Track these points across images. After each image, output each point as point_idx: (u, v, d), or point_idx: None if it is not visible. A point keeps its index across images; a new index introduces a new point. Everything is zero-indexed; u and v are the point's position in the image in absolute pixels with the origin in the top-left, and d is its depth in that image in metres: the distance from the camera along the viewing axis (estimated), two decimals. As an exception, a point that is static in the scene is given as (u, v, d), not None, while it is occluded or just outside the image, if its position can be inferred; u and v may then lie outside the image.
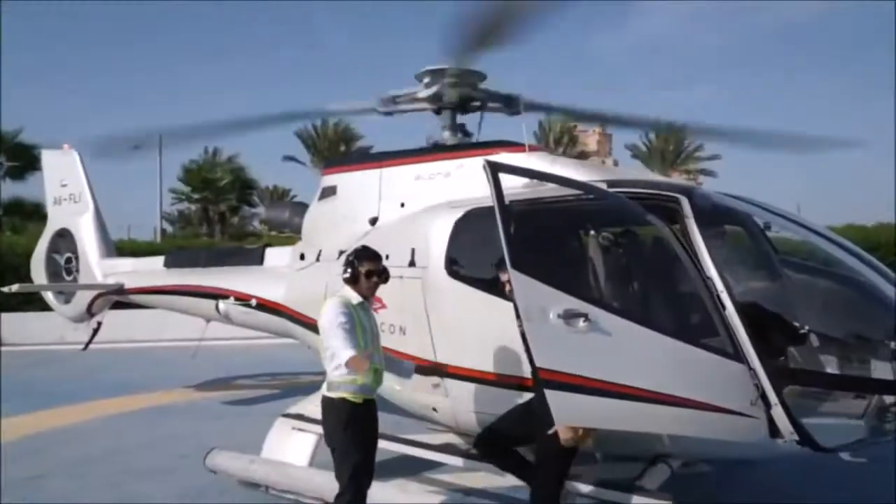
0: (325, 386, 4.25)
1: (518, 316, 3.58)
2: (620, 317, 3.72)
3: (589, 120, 7.34)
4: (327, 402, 4.21)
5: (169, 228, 39.63)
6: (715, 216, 4.39)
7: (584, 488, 4.50)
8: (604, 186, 4.60)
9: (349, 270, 4.29)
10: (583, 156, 49.85)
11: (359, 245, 4.53)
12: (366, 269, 4.26)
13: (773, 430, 3.89)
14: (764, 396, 3.86)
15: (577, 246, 4.62)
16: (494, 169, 3.83)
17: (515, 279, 3.52)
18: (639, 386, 3.61)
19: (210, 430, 7.79)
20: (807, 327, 4.13)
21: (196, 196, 35.16)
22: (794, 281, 4.52)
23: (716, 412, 3.78)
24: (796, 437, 3.89)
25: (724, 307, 3.94)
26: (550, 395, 3.48)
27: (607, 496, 4.34)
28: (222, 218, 34.95)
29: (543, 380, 3.47)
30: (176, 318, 10.73)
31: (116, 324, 15.09)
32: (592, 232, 4.43)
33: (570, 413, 3.60)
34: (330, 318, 4.12)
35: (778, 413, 3.86)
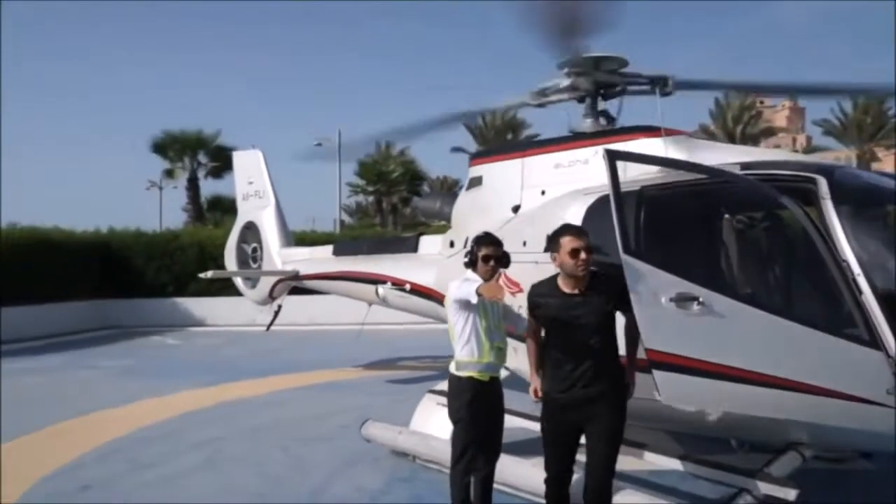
0: (452, 365, 4.53)
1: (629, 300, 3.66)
2: (737, 300, 3.68)
3: (751, 91, 6.85)
4: (454, 380, 4.49)
5: (347, 219, 42.36)
6: (856, 197, 4.14)
7: (706, 472, 4.45)
8: (737, 169, 4.51)
9: (468, 254, 4.53)
10: (768, 133, 46.47)
11: (482, 231, 4.75)
12: (483, 253, 4.45)
13: (913, 422, 3.65)
14: (903, 386, 3.63)
15: (700, 230, 4.56)
16: (612, 157, 3.91)
17: (626, 264, 3.60)
18: (756, 370, 3.55)
19: (372, 405, 8.40)
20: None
21: (370, 189, 37.23)
22: None
23: (845, 400, 3.63)
24: (938, 431, 3.63)
25: (860, 292, 3.75)
26: (658, 375, 3.54)
27: (732, 481, 4.27)
28: (394, 209, 36.72)
29: (651, 360, 3.54)
30: (350, 304, 11.73)
31: (298, 308, 16.74)
32: (716, 216, 4.36)
33: (677, 393, 3.64)
34: (452, 294, 4.40)
35: (919, 404, 3.62)
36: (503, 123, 37.80)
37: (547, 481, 4.10)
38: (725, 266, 4.32)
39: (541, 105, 6.68)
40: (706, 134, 41.92)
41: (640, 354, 3.90)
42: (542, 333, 4.17)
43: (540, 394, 4.10)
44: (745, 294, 4.02)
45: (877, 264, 3.87)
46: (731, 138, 41.97)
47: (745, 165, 4.56)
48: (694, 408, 4.01)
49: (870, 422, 3.69)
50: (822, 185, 4.05)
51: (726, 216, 4.41)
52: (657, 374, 3.56)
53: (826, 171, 4.20)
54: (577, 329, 3.85)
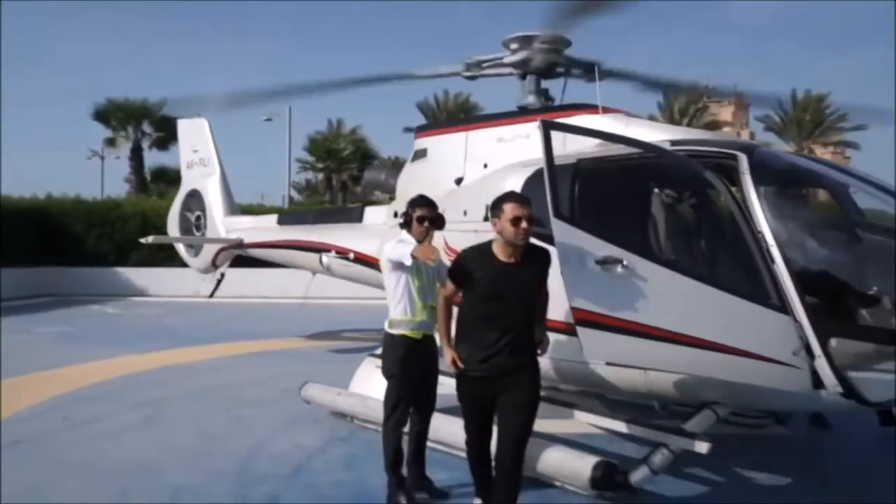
0: (386, 323, 4.68)
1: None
2: (660, 265, 3.92)
3: (672, 90, 7.16)
4: (388, 338, 4.63)
5: (297, 196, 41.91)
6: (773, 173, 4.44)
7: (630, 429, 4.74)
8: (667, 145, 4.77)
9: (404, 215, 4.66)
10: (713, 127, 47.65)
11: (416, 194, 4.86)
12: (417, 214, 4.57)
13: (817, 382, 3.96)
14: (808, 348, 3.94)
15: (628, 200, 4.80)
16: (546, 127, 4.10)
17: (556, 226, 3.80)
18: (673, 329, 3.81)
19: (314, 372, 8.44)
20: (856, 285, 4.15)
21: (320, 165, 36.92)
22: (849, 240, 4.48)
23: (754, 359, 3.89)
24: (840, 390, 3.95)
25: (772, 261, 4.03)
26: (582, 332, 3.76)
27: (653, 437, 4.55)
28: (344, 186, 36.50)
29: (577, 318, 3.75)
30: (297, 278, 11.77)
31: (245, 281, 16.69)
32: (644, 187, 4.61)
33: (599, 349, 3.88)
34: (387, 254, 4.55)
35: (821, 364, 3.92)
36: (455, 106, 37.86)
37: (468, 443, 4.15)
38: (650, 233, 4.58)
39: (472, 77, 6.83)
40: (654, 125, 42.91)
41: (553, 316, 4.14)
42: (461, 300, 4.06)
43: (460, 364, 3.95)
44: (666, 259, 4.27)
45: (788, 236, 4.16)
46: (677, 130, 42.97)
47: (675, 142, 4.83)
48: (615, 362, 4.26)
49: (776, 381, 3.98)
50: (743, 161, 4.33)
51: (654, 188, 4.66)
52: (581, 331, 3.78)
53: (747, 149, 4.48)
54: (506, 299, 3.79)
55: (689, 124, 43.32)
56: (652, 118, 43.77)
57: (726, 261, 4.43)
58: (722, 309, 3.93)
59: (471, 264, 3.93)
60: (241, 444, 5.87)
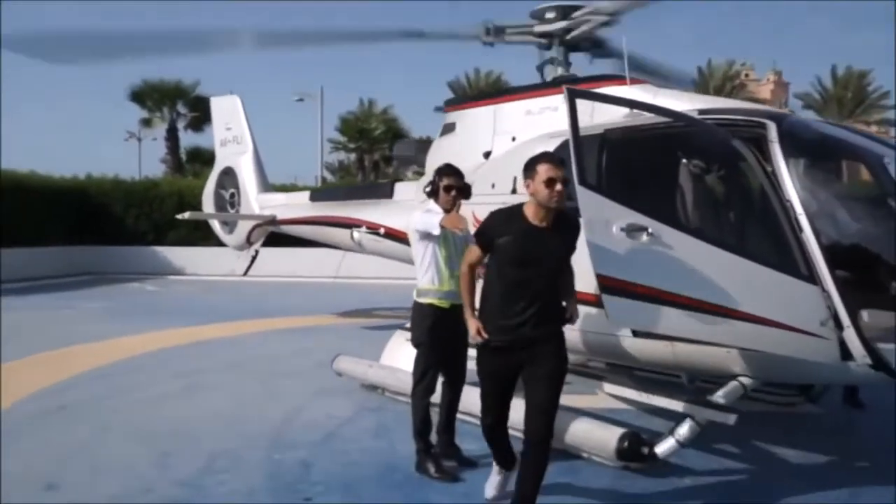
0: (414, 293, 4.75)
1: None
2: (686, 233, 3.92)
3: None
4: (416, 307, 4.71)
5: (329, 177, 42.21)
6: (802, 142, 4.39)
7: (657, 400, 4.77)
8: (695, 113, 4.73)
9: (430, 184, 4.70)
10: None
11: (443, 163, 4.90)
12: (445, 183, 4.61)
13: (846, 353, 3.94)
14: (836, 318, 3.92)
15: (655, 169, 4.79)
16: (572, 95, 4.09)
17: (581, 194, 3.82)
18: (699, 298, 3.82)
19: (346, 346, 8.56)
20: (887, 256, 4.11)
21: (352, 146, 37.13)
22: (880, 210, 4.42)
23: (781, 329, 3.89)
24: (869, 361, 3.93)
25: (801, 230, 4.01)
26: (608, 300, 3.79)
27: (680, 408, 4.56)
28: (376, 166, 36.68)
29: (601, 285, 3.78)
30: (330, 257, 11.94)
31: (279, 260, 16.97)
32: (671, 156, 4.59)
33: (624, 316, 3.90)
34: (414, 223, 4.61)
35: (850, 336, 3.91)
36: (487, 84, 37.67)
37: (488, 426, 3.95)
38: (676, 201, 4.56)
39: (490, 43, 6.76)
40: (689, 102, 42.24)
41: (580, 288, 4.03)
42: (486, 268, 3.90)
43: (484, 334, 3.77)
44: (692, 227, 4.26)
45: (817, 206, 4.13)
46: (713, 107, 42.25)
47: (703, 111, 4.79)
48: (640, 329, 4.29)
49: (803, 351, 3.97)
50: (772, 129, 4.29)
51: (680, 156, 4.63)
52: (606, 297, 3.80)
53: (776, 117, 4.44)
54: (535, 265, 3.65)
55: (726, 101, 42.65)
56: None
57: (753, 230, 4.41)
58: (749, 278, 3.92)
59: (500, 226, 3.73)
60: (274, 412, 6.03)
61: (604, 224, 3.81)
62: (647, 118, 4.82)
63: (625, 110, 5.14)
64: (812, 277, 3.93)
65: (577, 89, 4.22)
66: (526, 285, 3.67)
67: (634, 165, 4.72)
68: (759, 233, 4.32)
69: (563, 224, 3.73)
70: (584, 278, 4.10)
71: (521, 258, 3.67)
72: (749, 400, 6.11)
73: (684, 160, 4.58)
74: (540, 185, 3.61)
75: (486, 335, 3.77)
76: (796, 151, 4.24)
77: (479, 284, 3.95)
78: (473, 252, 3.94)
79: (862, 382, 4.69)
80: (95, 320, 11.45)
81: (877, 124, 44.61)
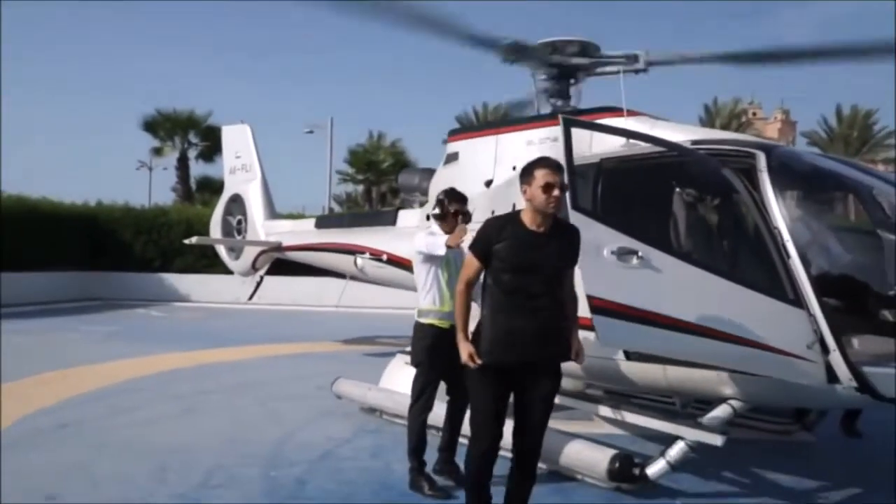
0: (416, 313, 4.86)
1: None
2: (675, 257, 4.04)
3: (733, 62, 6.54)
4: (417, 327, 4.82)
5: (337, 208, 42.51)
6: (790, 171, 4.51)
7: (649, 422, 4.83)
8: (688, 144, 4.88)
9: (438, 208, 4.84)
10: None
11: (448, 187, 5.05)
12: (455, 208, 4.78)
13: (832, 376, 4.01)
14: (823, 342, 4.00)
15: (647, 195, 4.92)
16: (567, 124, 4.26)
17: (574, 218, 3.94)
18: (687, 319, 3.91)
19: (347, 372, 8.60)
20: (872, 282, 4.21)
21: (360, 177, 37.52)
22: (865, 238, 4.53)
23: (768, 351, 3.98)
24: (855, 384, 4.00)
25: (788, 256, 4.11)
26: (597, 319, 3.89)
27: (671, 430, 4.62)
28: (383, 198, 36.97)
29: (592, 306, 3.88)
30: (334, 286, 12.08)
31: (283, 288, 17.14)
32: (663, 183, 4.72)
33: (613, 336, 3.99)
34: (418, 245, 4.73)
35: (836, 359, 3.98)
36: (495, 118, 38.18)
37: (480, 455, 3.67)
38: (667, 227, 4.68)
39: (509, 61, 6.82)
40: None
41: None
42: (484, 284, 3.69)
43: (477, 360, 3.57)
44: (682, 252, 4.38)
45: (804, 233, 4.25)
46: (719, 144, 42.61)
47: (696, 142, 4.94)
48: (628, 349, 4.37)
49: (790, 374, 4.04)
50: (761, 159, 4.42)
51: (672, 184, 4.76)
52: (596, 318, 3.90)
53: (766, 147, 4.58)
54: (535, 272, 3.49)
55: (731, 139, 43.02)
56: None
57: (742, 255, 4.52)
58: (736, 301, 4.02)
59: (495, 233, 3.57)
60: (273, 432, 6.09)
61: (595, 247, 3.93)
62: (642, 148, 4.96)
63: (622, 140, 5.29)
64: (798, 302, 4.03)
65: (572, 119, 4.38)
66: (525, 294, 3.49)
67: (627, 193, 4.85)
68: (747, 258, 4.43)
69: (562, 231, 3.62)
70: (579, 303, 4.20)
71: (519, 264, 3.51)
72: (744, 428, 6.19)
73: (675, 188, 4.71)
74: (537, 190, 3.51)
75: (478, 360, 3.57)
76: (784, 180, 4.36)
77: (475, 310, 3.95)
78: (470, 266, 3.70)
79: (848, 405, 4.73)
80: (100, 343, 11.56)
81: (882, 163, 44.79)
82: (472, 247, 3.69)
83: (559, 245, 3.58)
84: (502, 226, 3.62)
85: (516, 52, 6.65)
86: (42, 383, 8.07)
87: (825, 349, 4.00)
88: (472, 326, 3.72)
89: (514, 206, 5.83)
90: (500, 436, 3.68)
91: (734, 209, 4.50)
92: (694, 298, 4.02)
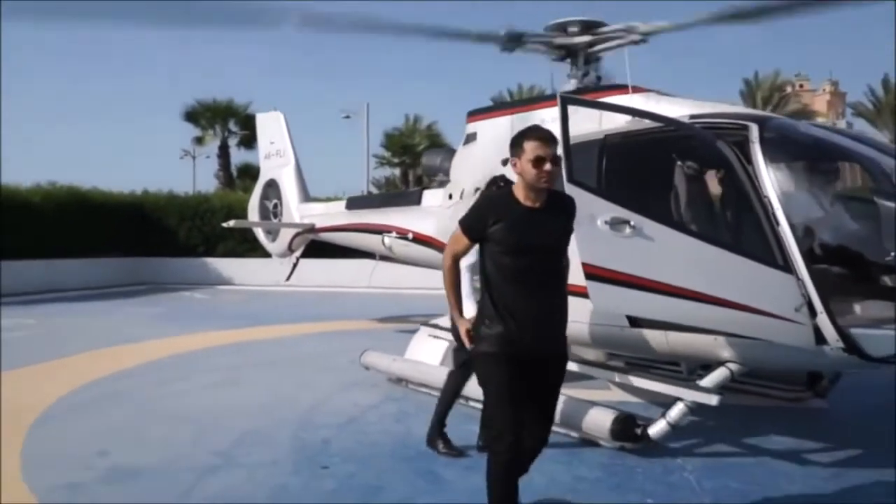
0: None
1: None
2: (667, 226, 4.28)
3: (726, 21, 6.47)
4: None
5: (375, 191, 43.06)
6: (782, 142, 4.68)
7: (653, 385, 5.09)
8: (686, 118, 5.09)
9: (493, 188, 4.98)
10: (800, 115, 45.57)
11: (500, 174, 5.21)
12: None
13: (820, 338, 4.22)
14: (811, 305, 4.21)
15: (642, 169, 5.14)
16: (564, 101, 4.51)
17: (569, 191, 4.20)
18: (677, 284, 4.17)
19: (378, 346, 9.06)
20: (860, 248, 4.39)
21: (396, 161, 37.95)
22: (855, 207, 4.69)
23: (759, 315, 4.21)
24: (842, 345, 4.20)
25: (777, 223, 4.32)
26: (591, 285, 4.16)
27: (672, 392, 4.88)
28: (419, 181, 37.32)
29: (587, 273, 4.15)
30: (371, 268, 12.54)
31: (323, 270, 17.69)
32: (658, 156, 4.95)
33: (607, 301, 4.26)
34: (470, 261, 4.75)
35: (823, 321, 4.18)
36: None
37: (507, 448, 3.22)
38: (660, 198, 4.90)
39: (508, 49, 7.04)
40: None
41: (579, 281, 3.87)
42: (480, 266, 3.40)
43: (468, 342, 3.39)
44: (673, 221, 4.61)
45: (793, 201, 4.44)
46: (760, 119, 41.87)
47: (694, 116, 5.14)
48: (621, 312, 4.63)
49: (780, 336, 4.27)
50: (754, 130, 4.61)
51: (666, 157, 4.98)
52: (590, 284, 4.18)
53: (759, 119, 4.76)
54: (536, 251, 3.25)
55: (773, 112, 42.20)
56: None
57: (733, 223, 4.73)
58: (727, 267, 4.25)
59: (489, 213, 3.30)
60: (304, 400, 6.52)
61: (590, 217, 4.19)
62: (643, 123, 5.18)
63: (628, 117, 5.51)
64: (787, 267, 4.23)
65: (569, 97, 4.65)
66: (530, 277, 3.23)
67: (624, 166, 5.09)
68: (739, 226, 4.65)
69: (558, 204, 3.39)
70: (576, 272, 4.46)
71: (518, 245, 3.23)
72: (758, 395, 6.41)
73: (669, 161, 4.94)
74: (527, 164, 3.22)
75: (471, 338, 3.36)
76: (776, 151, 4.55)
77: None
78: (460, 242, 3.42)
79: (837, 367, 4.91)
80: (147, 324, 12.20)
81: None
82: (464, 224, 3.38)
83: (559, 219, 3.35)
84: (497, 204, 3.36)
85: (514, 41, 6.84)
86: (98, 357, 8.70)
87: (813, 312, 4.20)
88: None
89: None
90: (523, 424, 3.30)
91: (726, 180, 4.70)
92: (685, 265, 4.26)
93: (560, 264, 3.38)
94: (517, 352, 3.25)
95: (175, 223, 21.83)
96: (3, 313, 12.79)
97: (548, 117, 6.83)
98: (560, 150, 4.31)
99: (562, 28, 7.00)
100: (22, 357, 8.54)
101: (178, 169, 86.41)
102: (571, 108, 6.54)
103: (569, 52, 7.15)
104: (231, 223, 12.03)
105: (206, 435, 5.35)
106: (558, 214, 3.37)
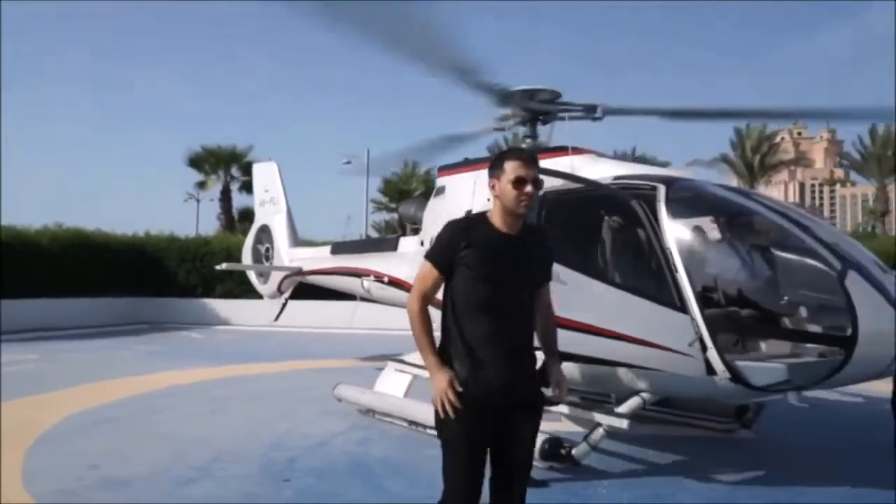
0: None
1: None
2: (583, 274, 5.05)
3: (678, 117, 7.66)
4: None
5: (375, 235, 44.02)
6: (684, 202, 5.46)
7: (573, 412, 5.79)
8: (609, 179, 5.90)
9: None
10: (791, 163, 46.82)
11: None
12: None
13: (710, 370, 4.93)
14: (702, 341, 4.93)
15: (565, 222, 5.91)
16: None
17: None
18: (592, 324, 4.92)
19: (357, 382, 9.78)
20: (745, 292, 5.15)
21: (393, 206, 39.01)
22: (741, 257, 5.45)
23: (658, 349, 4.97)
24: (728, 376, 4.90)
25: (676, 270, 5.07)
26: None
27: (589, 416, 5.58)
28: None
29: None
30: (361, 309, 13.28)
31: (313, 312, 18.41)
32: (579, 213, 5.75)
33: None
34: None
35: (712, 355, 4.90)
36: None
37: None
38: (578, 249, 5.66)
39: (500, 129, 7.98)
40: (726, 163, 43.10)
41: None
42: (448, 304, 3.06)
43: (457, 389, 2.91)
44: (588, 269, 5.37)
45: (690, 251, 5.20)
46: (749, 168, 43.03)
47: (619, 177, 5.95)
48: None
49: (676, 367, 5.00)
50: (661, 191, 5.40)
51: (585, 212, 5.76)
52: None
53: (668, 181, 5.55)
54: (510, 281, 2.96)
55: (761, 161, 43.32)
56: (723, 157, 43.35)
57: (639, 270, 5.47)
58: (631, 308, 5.02)
59: (461, 235, 2.99)
60: (280, 426, 7.21)
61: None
62: (571, 184, 5.97)
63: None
64: (683, 308, 4.98)
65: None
66: (502, 310, 2.95)
67: (549, 220, 5.87)
68: (642, 273, 5.40)
69: (535, 235, 3.17)
70: None
71: (492, 273, 2.94)
72: (692, 427, 7.09)
73: (587, 215, 5.72)
74: (507, 184, 2.98)
75: (459, 389, 2.92)
76: (677, 208, 5.32)
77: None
78: (428, 278, 3.06)
79: (727, 396, 5.58)
80: (145, 360, 12.89)
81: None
82: (431, 255, 3.07)
83: (535, 251, 3.10)
84: (469, 227, 3.05)
85: (504, 120, 7.77)
86: (94, 389, 9.39)
87: (704, 347, 4.93)
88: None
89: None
90: (481, 480, 2.99)
91: (634, 233, 5.46)
92: (599, 308, 5.03)
93: (532, 299, 3.08)
94: (483, 396, 2.92)
95: (175, 265, 22.62)
96: (7, 349, 13.52)
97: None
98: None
99: (525, 93, 7.88)
100: (24, 388, 9.26)
101: (179, 212, 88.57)
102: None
103: (530, 116, 8.02)
104: (223, 266, 12.83)
105: (188, 454, 6.04)
106: (535, 245, 3.12)
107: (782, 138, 66.01)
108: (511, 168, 3.03)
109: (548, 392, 3.19)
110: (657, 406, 7.21)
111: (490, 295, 2.96)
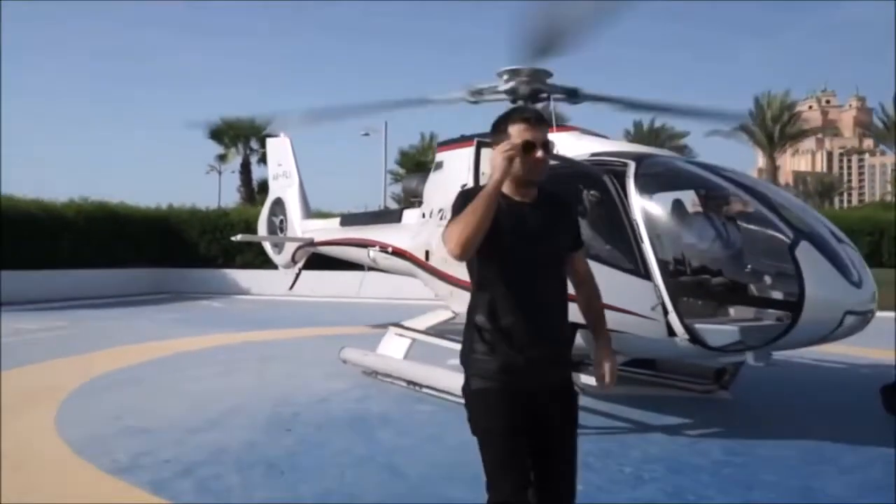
0: None
1: None
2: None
3: (648, 110, 8.22)
4: None
5: (394, 206, 44.60)
6: (651, 177, 5.87)
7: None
8: (587, 156, 6.32)
9: None
10: (810, 133, 46.33)
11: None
12: None
13: (671, 331, 5.40)
14: (664, 305, 5.39)
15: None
16: (479, 144, 5.75)
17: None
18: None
19: (363, 347, 10.40)
20: (705, 260, 5.58)
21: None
22: (704, 228, 5.87)
23: (624, 313, 5.43)
24: (688, 337, 5.37)
25: (641, 241, 5.52)
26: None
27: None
28: (433, 196, 38.76)
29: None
30: (372, 279, 13.80)
31: (326, 282, 19.05)
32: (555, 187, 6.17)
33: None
34: None
35: (673, 318, 5.37)
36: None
37: None
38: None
39: (475, 102, 8.37)
40: (746, 133, 42.85)
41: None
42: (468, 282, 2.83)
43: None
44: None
45: (655, 225, 5.63)
46: (769, 138, 42.76)
47: (594, 154, 6.37)
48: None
49: (640, 330, 5.47)
50: (631, 167, 5.82)
51: (562, 189, 6.19)
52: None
53: (638, 157, 5.97)
54: (528, 256, 2.67)
55: (781, 130, 43.00)
56: (744, 126, 43.03)
57: (606, 241, 5.92)
58: (601, 276, 5.37)
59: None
60: (288, 386, 7.82)
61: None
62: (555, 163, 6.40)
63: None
64: (647, 276, 5.43)
65: (483, 140, 5.87)
66: (527, 287, 2.67)
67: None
68: (610, 243, 5.85)
69: (551, 200, 2.84)
70: None
71: (511, 244, 2.65)
72: (674, 388, 7.57)
73: (562, 191, 6.14)
74: None
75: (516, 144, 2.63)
76: (645, 183, 5.74)
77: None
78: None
79: (687, 355, 6.02)
80: (167, 327, 13.60)
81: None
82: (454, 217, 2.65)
83: (555, 217, 2.81)
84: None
85: (476, 95, 8.14)
86: (121, 352, 10.09)
87: (665, 311, 5.39)
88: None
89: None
90: (528, 473, 2.64)
91: (604, 206, 5.90)
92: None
93: (562, 270, 2.83)
94: (508, 381, 2.63)
95: (196, 236, 23.39)
96: (38, 317, 14.32)
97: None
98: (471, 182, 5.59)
99: (513, 73, 8.26)
100: (56, 351, 10.01)
101: (201, 184, 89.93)
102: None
103: (517, 97, 8.40)
104: (238, 237, 13.44)
105: (201, 408, 6.65)
106: (554, 211, 2.82)
107: (810, 107, 65.02)
108: (517, 132, 2.68)
109: (591, 380, 3.01)
110: (640, 368, 7.75)
111: (507, 268, 2.65)
